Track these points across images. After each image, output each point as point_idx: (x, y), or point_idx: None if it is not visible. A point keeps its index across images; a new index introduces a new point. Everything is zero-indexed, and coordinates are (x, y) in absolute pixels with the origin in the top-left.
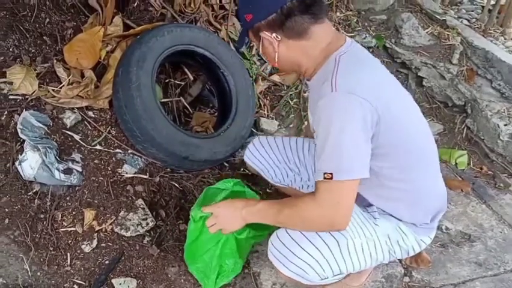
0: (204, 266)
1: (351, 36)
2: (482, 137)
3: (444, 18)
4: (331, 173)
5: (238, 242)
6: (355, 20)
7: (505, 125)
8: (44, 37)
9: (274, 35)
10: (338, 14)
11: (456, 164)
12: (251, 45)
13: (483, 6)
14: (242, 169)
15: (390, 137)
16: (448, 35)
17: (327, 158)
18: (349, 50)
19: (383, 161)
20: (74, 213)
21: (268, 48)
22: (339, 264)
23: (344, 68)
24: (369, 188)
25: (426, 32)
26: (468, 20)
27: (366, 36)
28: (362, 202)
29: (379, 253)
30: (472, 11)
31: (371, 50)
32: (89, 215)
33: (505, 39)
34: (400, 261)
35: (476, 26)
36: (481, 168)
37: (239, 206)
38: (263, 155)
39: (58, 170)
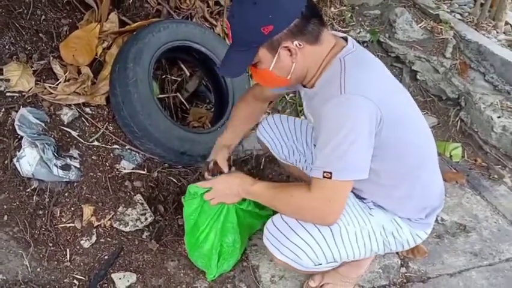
0: (207, 249)
1: (345, 32)
2: (476, 130)
3: (437, 12)
4: (330, 173)
5: (238, 215)
6: (349, 15)
7: (498, 117)
8: (40, 34)
9: (296, 43)
10: (332, 9)
11: (451, 156)
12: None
13: (475, 0)
14: (237, 165)
15: (390, 137)
16: (441, 29)
17: (328, 157)
18: (352, 51)
19: (382, 160)
20: (72, 209)
21: (284, 62)
22: (332, 250)
23: (350, 69)
24: (366, 185)
25: (420, 27)
26: (461, 14)
27: (360, 31)
28: (357, 195)
29: (373, 243)
30: (465, 5)
31: (365, 44)
32: (87, 210)
33: (497, 32)
34: (397, 252)
35: (469, 19)
36: (475, 160)
37: (235, 182)
38: (274, 131)
39: (56, 166)
